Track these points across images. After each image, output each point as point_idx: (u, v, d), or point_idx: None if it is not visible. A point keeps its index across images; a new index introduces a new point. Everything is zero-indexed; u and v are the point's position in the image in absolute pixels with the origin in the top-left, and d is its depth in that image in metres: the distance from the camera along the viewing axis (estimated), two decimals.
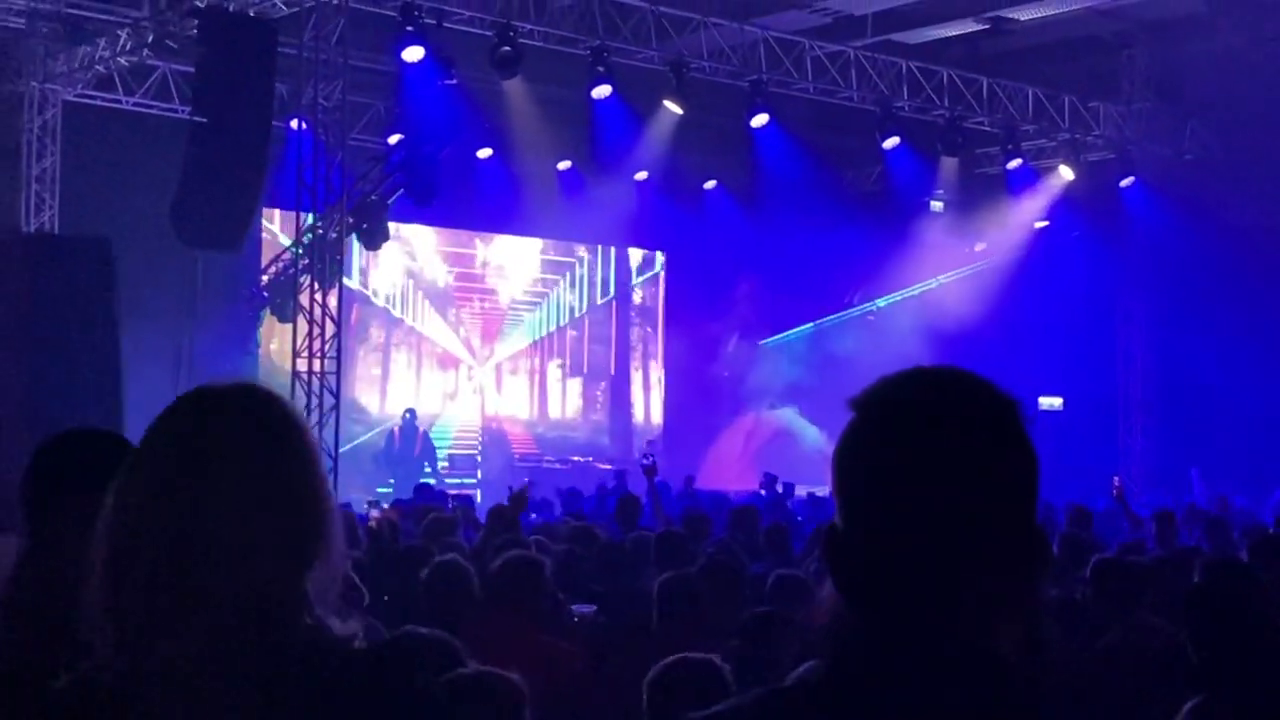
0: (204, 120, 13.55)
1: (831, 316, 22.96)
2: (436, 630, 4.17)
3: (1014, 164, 19.30)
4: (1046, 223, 20.76)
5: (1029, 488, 1.42)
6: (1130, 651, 5.23)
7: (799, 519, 13.20)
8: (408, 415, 19.90)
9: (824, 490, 17.44)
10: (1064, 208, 20.29)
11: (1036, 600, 1.43)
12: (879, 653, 1.34)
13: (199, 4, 13.97)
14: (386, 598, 6.53)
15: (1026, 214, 20.70)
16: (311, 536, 1.73)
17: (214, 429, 1.75)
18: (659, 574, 6.10)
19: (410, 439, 19.89)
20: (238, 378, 1.87)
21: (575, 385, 22.85)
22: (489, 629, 5.35)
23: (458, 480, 19.49)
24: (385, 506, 12.14)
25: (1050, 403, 21.03)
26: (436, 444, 20.63)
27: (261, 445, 1.73)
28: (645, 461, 11.39)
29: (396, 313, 20.89)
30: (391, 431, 19.85)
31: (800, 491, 16.24)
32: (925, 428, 1.39)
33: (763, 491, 15.89)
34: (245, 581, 1.65)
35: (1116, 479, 12.44)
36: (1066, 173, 19.71)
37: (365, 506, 12.56)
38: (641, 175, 20.22)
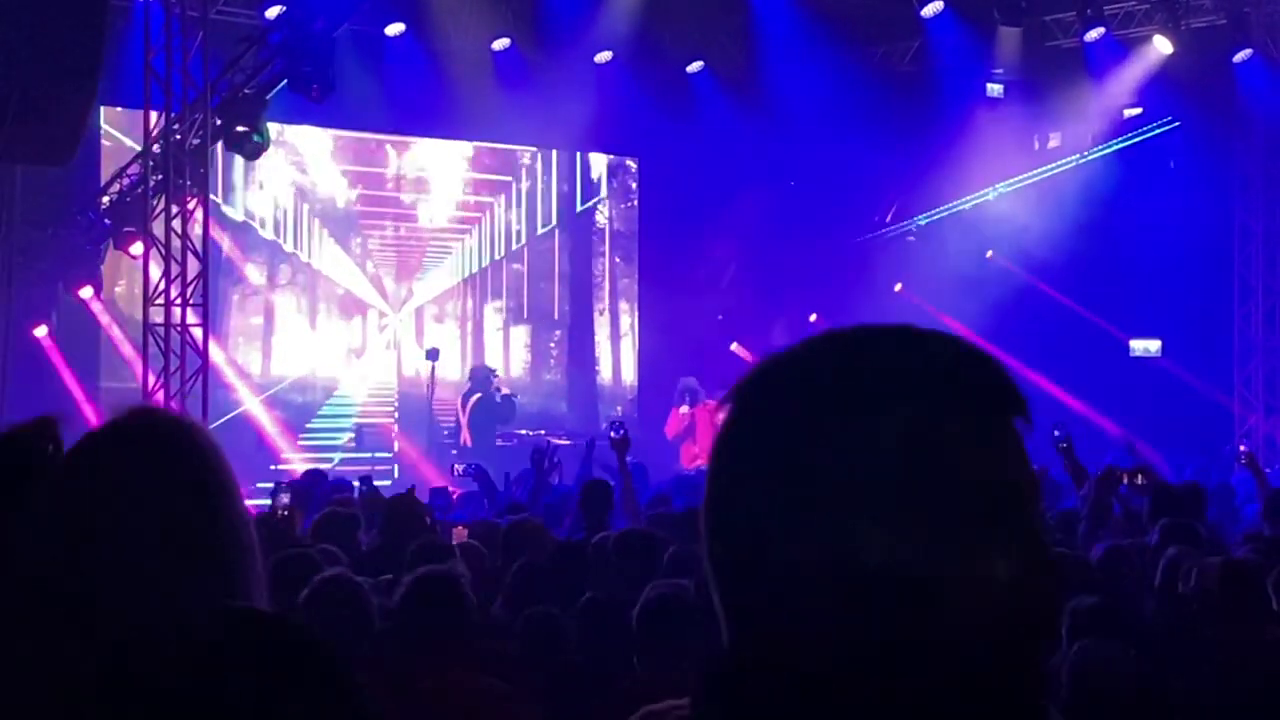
0: None
1: (857, 239, 22.89)
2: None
3: (1094, 34, 19.20)
4: (1138, 110, 20.68)
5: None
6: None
7: None
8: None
9: None
10: (1160, 91, 20.17)
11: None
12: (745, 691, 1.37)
13: None
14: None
15: (1111, 100, 20.59)
16: None
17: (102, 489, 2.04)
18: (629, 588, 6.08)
19: None
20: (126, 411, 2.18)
21: (521, 335, 22.74)
22: (394, 668, 5.34)
23: (368, 454, 19.48)
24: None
25: (1145, 346, 21.05)
26: (340, 411, 20.60)
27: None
28: (615, 434, 11.22)
29: (280, 242, 20.73)
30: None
31: None
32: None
33: None
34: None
35: (1244, 445, 12.50)
36: (1163, 45, 19.62)
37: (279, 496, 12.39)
38: (604, 56, 20.05)
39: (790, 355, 1.42)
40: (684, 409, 18.78)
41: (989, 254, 21.69)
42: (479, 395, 20.38)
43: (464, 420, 20.29)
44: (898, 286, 22.27)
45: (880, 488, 1.30)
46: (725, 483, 1.38)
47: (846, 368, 1.36)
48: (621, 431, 11.26)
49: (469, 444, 19.80)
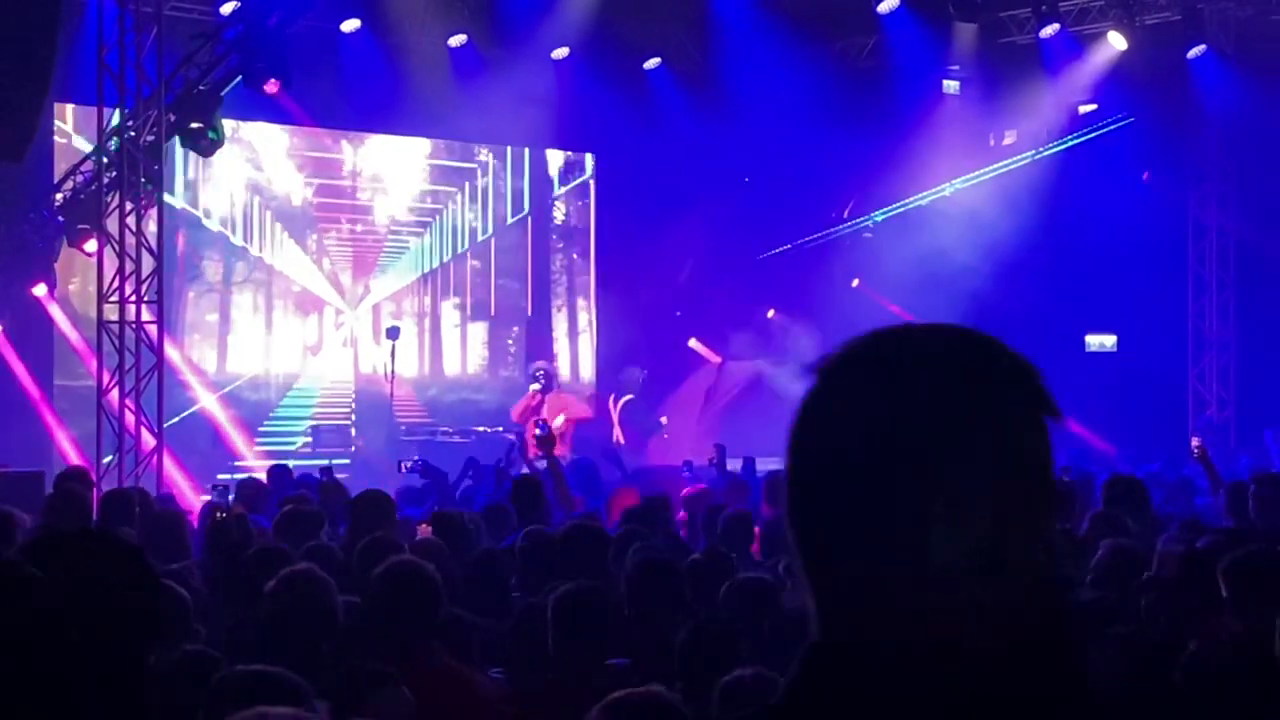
0: None
1: (814, 236, 22.91)
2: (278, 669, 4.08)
3: (1050, 30, 19.27)
4: (1093, 106, 20.77)
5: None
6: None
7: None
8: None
9: None
10: (1115, 87, 20.26)
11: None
12: (838, 670, 1.42)
13: None
14: (233, 624, 6.43)
15: (1066, 96, 20.69)
16: None
17: None
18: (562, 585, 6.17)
19: None
20: None
21: (479, 332, 22.70)
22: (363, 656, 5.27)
23: (325, 451, 19.43)
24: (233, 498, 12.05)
25: (1100, 342, 21.14)
26: (297, 409, 20.52)
27: None
28: (540, 432, 11.55)
29: (238, 240, 20.63)
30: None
31: (770, 466, 16.20)
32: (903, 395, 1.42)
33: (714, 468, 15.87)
34: None
35: (1196, 439, 12.60)
36: (1118, 41, 19.70)
37: (209, 496, 12.50)
38: (561, 53, 20.02)
39: (875, 349, 1.47)
40: (535, 386, 18.61)
41: (944, 250, 21.75)
42: (630, 396, 21.02)
43: (615, 418, 20.90)
44: (855, 282, 22.32)
45: (969, 483, 1.37)
46: (808, 463, 1.43)
47: (932, 363, 1.43)
48: (546, 429, 11.98)
49: (622, 441, 20.12)
